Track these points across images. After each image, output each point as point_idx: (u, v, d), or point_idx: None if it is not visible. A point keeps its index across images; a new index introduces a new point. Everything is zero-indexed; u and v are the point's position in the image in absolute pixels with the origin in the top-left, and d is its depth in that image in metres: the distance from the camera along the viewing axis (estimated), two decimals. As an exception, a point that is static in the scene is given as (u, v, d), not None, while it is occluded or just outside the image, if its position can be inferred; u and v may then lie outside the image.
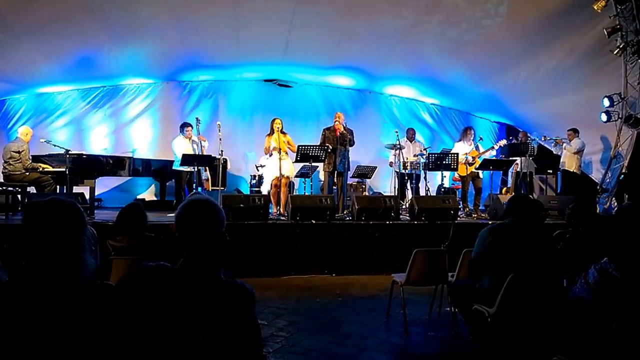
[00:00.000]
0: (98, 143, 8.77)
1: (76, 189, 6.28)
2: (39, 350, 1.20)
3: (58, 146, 6.12)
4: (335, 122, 6.74)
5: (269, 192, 6.50)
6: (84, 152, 6.67)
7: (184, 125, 7.47)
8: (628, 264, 1.98)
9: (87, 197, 6.35)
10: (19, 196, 6.29)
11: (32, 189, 6.27)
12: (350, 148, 6.80)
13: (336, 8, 6.73)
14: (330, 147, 6.57)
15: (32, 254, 1.28)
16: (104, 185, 8.38)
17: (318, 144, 6.72)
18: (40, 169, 6.11)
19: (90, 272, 1.35)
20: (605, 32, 6.49)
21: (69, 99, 8.75)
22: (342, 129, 6.66)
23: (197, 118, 7.49)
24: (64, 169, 5.85)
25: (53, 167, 6.14)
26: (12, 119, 8.45)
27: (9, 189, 5.99)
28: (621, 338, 1.69)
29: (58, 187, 6.20)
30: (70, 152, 5.92)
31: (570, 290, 2.22)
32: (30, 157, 6.27)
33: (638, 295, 1.90)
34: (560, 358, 1.93)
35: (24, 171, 6.03)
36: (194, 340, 1.29)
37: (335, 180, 6.75)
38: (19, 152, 6.03)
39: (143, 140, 9.10)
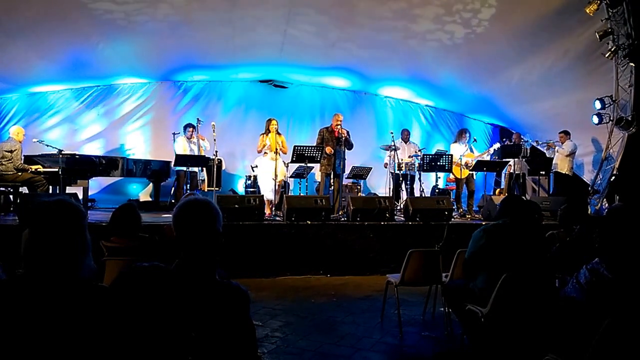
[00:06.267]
0: (94, 143, 8.73)
1: (69, 189, 6.24)
2: (35, 350, 1.20)
3: (51, 146, 6.07)
4: (335, 123, 6.70)
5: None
6: (76, 153, 6.63)
7: (187, 126, 7.52)
8: (619, 264, 2.01)
9: (81, 197, 6.30)
10: (10, 196, 6.23)
11: (24, 189, 6.21)
12: (347, 150, 6.82)
13: (331, 9, 6.75)
14: (332, 150, 6.58)
15: (33, 253, 1.28)
16: (98, 185, 8.34)
17: (315, 144, 6.72)
18: (31, 170, 6.05)
19: (88, 274, 1.36)
20: (597, 36, 6.57)
21: (62, 98, 8.69)
22: (341, 131, 6.66)
23: (198, 119, 7.49)
24: (56, 169, 5.81)
25: (45, 168, 6.08)
26: (4, 118, 8.38)
27: (1, 189, 5.93)
28: (612, 337, 1.71)
29: (51, 187, 6.15)
30: (63, 152, 5.87)
31: (562, 290, 2.24)
32: (23, 157, 6.21)
33: (629, 294, 1.93)
34: (553, 357, 1.95)
35: (16, 171, 5.98)
36: (188, 340, 1.29)
37: (332, 182, 6.76)
38: (11, 152, 5.96)
39: (136, 140, 9.06)
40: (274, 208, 6.51)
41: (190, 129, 7.44)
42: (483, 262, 2.85)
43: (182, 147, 7.36)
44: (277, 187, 6.44)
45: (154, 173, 7.85)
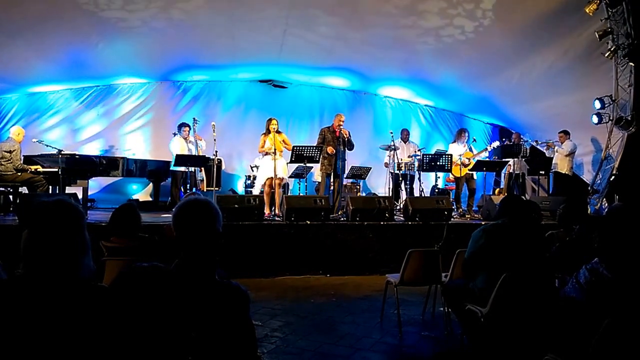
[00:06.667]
0: (94, 143, 8.72)
1: (69, 189, 6.23)
2: (34, 350, 1.20)
3: (50, 146, 6.07)
4: (337, 123, 6.67)
5: (261, 193, 6.47)
6: (76, 153, 6.63)
7: (181, 126, 7.50)
8: (618, 264, 2.01)
9: (80, 197, 6.30)
10: (10, 197, 6.23)
11: (24, 189, 6.21)
12: (347, 150, 6.81)
13: (330, 9, 6.74)
14: (334, 150, 6.58)
15: (33, 253, 1.29)
16: (98, 185, 8.33)
17: (316, 144, 6.72)
18: (30, 170, 6.04)
19: (88, 274, 1.36)
20: (597, 35, 6.57)
21: (62, 98, 8.69)
22: (344, 131, 6.65)
23: (194, 118, 7.49)
24: (56, 170, 5.80)
25: (44, 168, 6.08)
26: (3, 118, 8.38)
27: (1, 189, 5.92)
28: (612, 337, 1.71)
29: (50, 187, 6.14)
30: (62, 152, 5.87)
31: (562, 290, 2.24)
32: (22, 157, 6.21)
33: (628, 294, 1.93)
34: (552, 357, 1.96)
35: (15, 171, 5.97)
36: (188, 340, 1.29)
37: (332, 182, 6.76)
38: (10, 152, 5.96)
39: (136, 140, 9.06)
40: (274, 209, 6.50)
41: (186, 128, 7.43)
42: (483, 262, 2.85)
43: (180, 147, 7.34)
44: (275, 185, 6.44)
45: (152, 173, 7.85)
